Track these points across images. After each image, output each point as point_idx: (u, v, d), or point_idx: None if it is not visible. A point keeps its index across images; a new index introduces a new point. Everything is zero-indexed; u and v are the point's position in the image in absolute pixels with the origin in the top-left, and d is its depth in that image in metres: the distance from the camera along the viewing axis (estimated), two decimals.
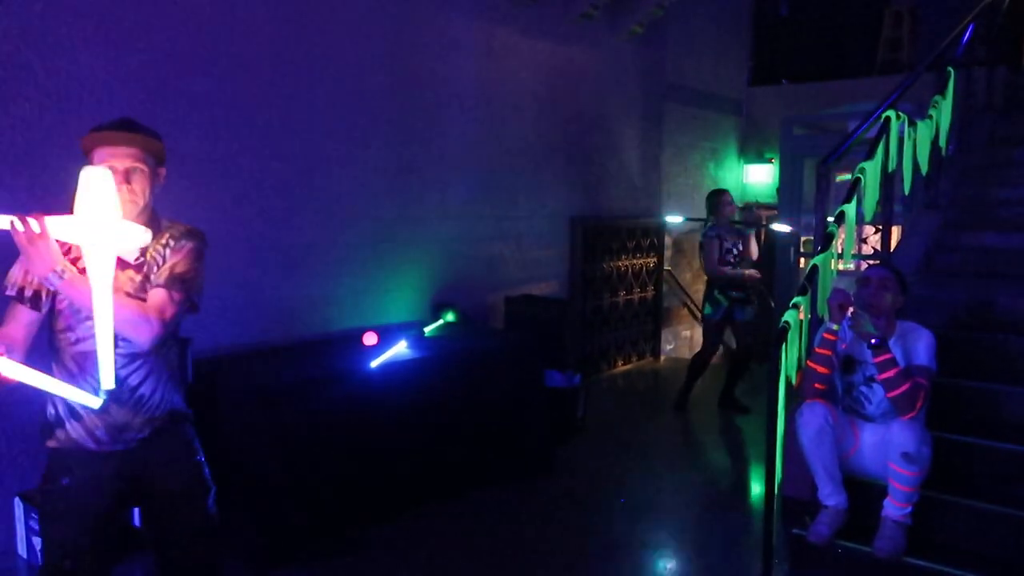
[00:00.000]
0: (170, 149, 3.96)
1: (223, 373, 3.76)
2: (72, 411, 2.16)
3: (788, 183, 7.47)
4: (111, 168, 2.06)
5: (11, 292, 2.12)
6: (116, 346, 2.09)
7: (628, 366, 7.52)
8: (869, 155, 3.86)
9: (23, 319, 2.12)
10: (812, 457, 3.17)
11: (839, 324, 3.18)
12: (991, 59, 5.88)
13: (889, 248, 4.44)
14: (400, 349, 4.24)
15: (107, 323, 1.91)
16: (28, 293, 2.11)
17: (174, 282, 2.13)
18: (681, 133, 8.08)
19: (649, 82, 7.51)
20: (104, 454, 2.18)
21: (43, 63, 3.45)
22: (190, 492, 2.31)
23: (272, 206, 4.39)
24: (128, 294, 2.11)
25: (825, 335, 3.22)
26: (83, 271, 2.01)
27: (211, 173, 4.10)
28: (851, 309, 3.12)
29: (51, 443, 2.20)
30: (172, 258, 2.17)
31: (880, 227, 4.53)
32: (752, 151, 9.07)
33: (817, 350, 3.24)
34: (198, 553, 2.33)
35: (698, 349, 6.17)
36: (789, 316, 3.20)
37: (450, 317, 5.10)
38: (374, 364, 3.96)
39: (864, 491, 3.25)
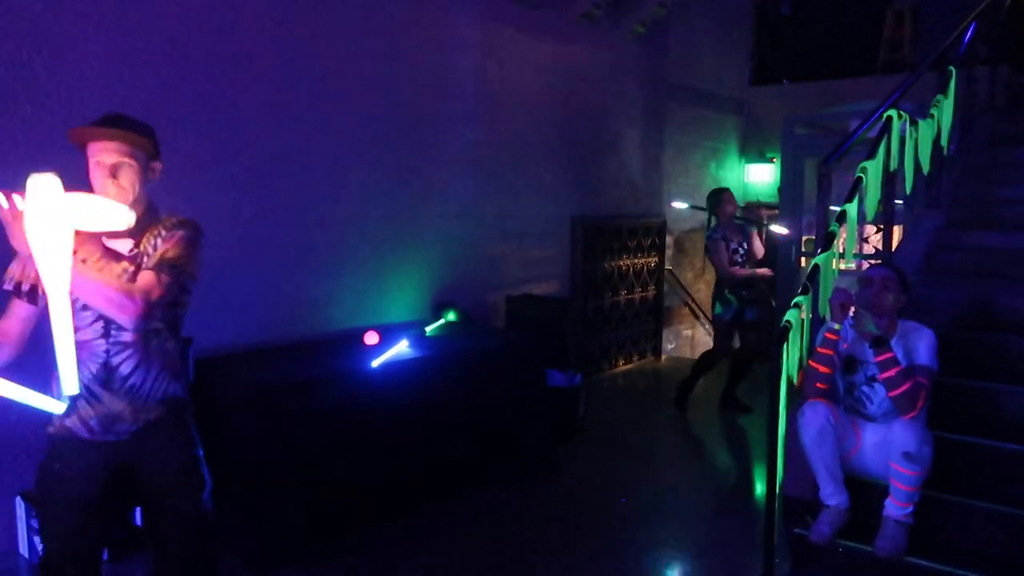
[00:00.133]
0: (171, 148, 3.97)
1: (224, 372, 3.77)
2: (70, 399, 2.18)
3: (789, 183, 7.46)
4: (99, 163, 2.12)
5: (8, 286, 2.16)
6: (107, 336, 2.16)
7: (629, 365, 7.52)
8: (871, 154, 3.85)
9: (20, 313, 2.17)
10: (813, 457, 3.17)
11: (841, 324, 3.18)
12: (993, 58, 5.88)
13: (890, 247, 4.44)
14: (401, 348, 4.24)
15: (66, 327, 1.93)
16: (25, 287, 2.15)
17: (163, 265, 2.16)
18: (682, 132, 8.08)
19: (651, 82, 7.51)
20: (96, 443, 2.22)
21: (44, 63, 3.45)
22: (184, 486, 2.32)
23: (273, 206, 4.39)
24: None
25: (827, 335, 3.22)
26: (82, 262, 2.05)
27: (212, 172, 4.10)
28: (852, 308, 3.12)
29: (50, 429, 2.25)
30: (163, 245, 2.20)
31: (881, 226, 4.53)
32: (753, 150, 9.07)
33: (819, 349, 3.24)
34: (193, 548, 2.33)
35: (701, 349, 6.16)
36: (790, 316, 3.20)
37: (451, 316, 5.10)
38: (375, 364, 3.95)
39: (865, 491, 3.25)
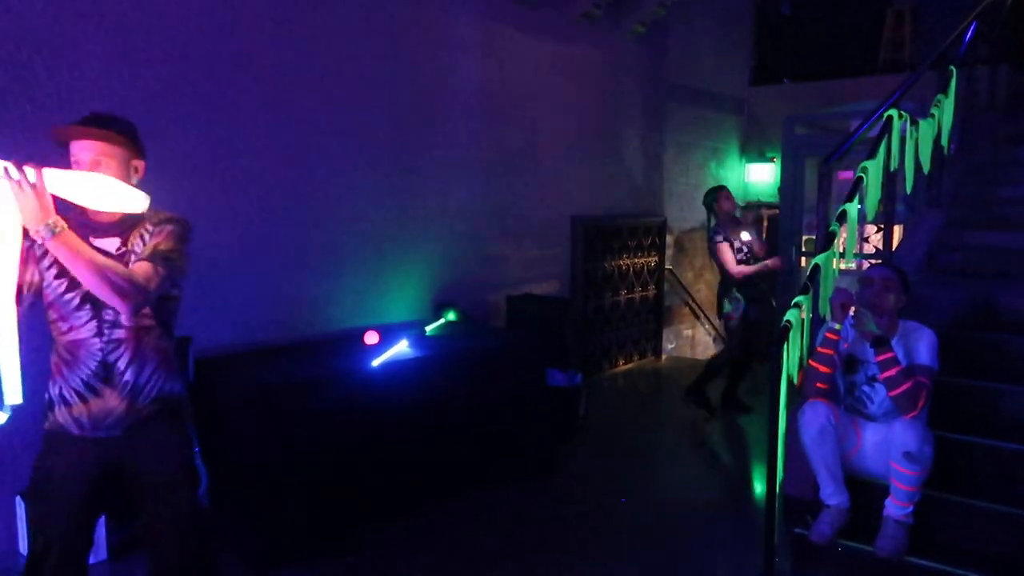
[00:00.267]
0: (171, 148, 3.98)
1: (224, 372, 3.77)
2: (62, 396, 2.23)
3: (790, 182, 7.47)
4: (77, 161, 2.15)
5: None
6: (101, 334, 2.19)
7: (630, 365, 7.52)
8: (871, 154, 3.85)
9: None
10: (814, 456, 3.17)
11: (841, 323, 3.18)
12: (993, 58, 5.87)
13: (891, 247, 4.44)
14: (401, 348, 4.24)
15: (10, 331, 1.96)
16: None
17: (156, 257, 2.19)
18: (683, 132, 8.08)
19: (651, 81, 7.50)
20: (87, 440, 2.24)
21: (44, 63, 3.45)
22: (177, 482, 2.33)
23: (273, 205, 4.39)
24: None
25: (827, 334, 3.22)
26: (64, 272, 2.13)
27: (212, 172, 4.10)
28: (853, 308, 3.12)
29: (45, 424, 2.28)
30: (154, 239, 2.22)
31: (882, 226, 4.53)
32: (754, 150, 9.07)
33: (819, 349, 3.24)
34: (189, 545, 2.34)
35: (701, 349, 6.14)
36: (791, 315, 3.19)
37: (451, 316, 5.09)
38: (375, 363, 3.95)
39: (866, 490, 3.25)
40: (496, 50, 5.77)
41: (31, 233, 2.01)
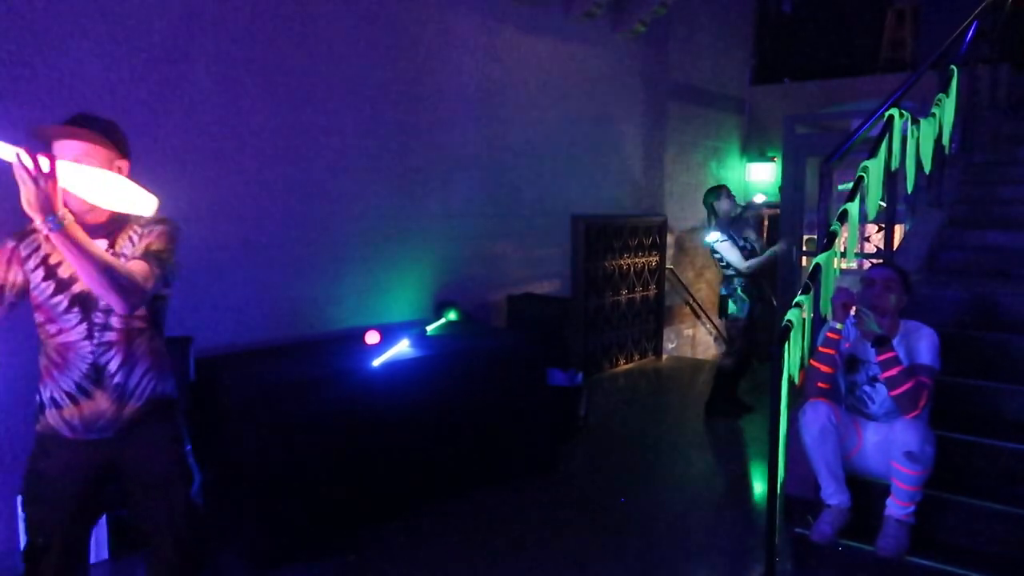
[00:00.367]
0: (172, 147, 3.98)
1: (225, 372, 3.76)
2: (53, 399, 2.22)
3: (790, 182, 7.45)
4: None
5: None
6: (91, 337, 2.19)
7: (630, 365, 7.52)
8: (872, 153, 3.85)
9: None
10: (815, 456, 3.17)
11: (843, 323, 3.18)
12: (994, 57, 5.87)
13: (892, 247, 4.44)
14: (402, 348, 4.24)
15: None
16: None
17: (150, 256, 2.19)
18: (683, 131, 8.07)
19: (651, 80, 7.50)
20: (79, 442, 2.24)
21: (45, 61, 3.45)
22: (170, 480, 2.33)
23: (274, 205, 4.39)
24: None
25: (829, 334, 3.21)
26: (57, 266, 2.14)
27: (213, 171, 4.10)
28: (854, 308, 3.12)
29: (37, 427, 2.28)
30: (145, 239, 2.22)
31: (883, 225, 4.52)
32: (754, 149, 9.06)
33: (820, 349, 3.24)
34: (185, 542, 2.34)
35: (702, 348, 6.12)
36: (792, 315, 3.19)
37: (452, 316, 5.09)
38: (376, 363, 3.95)
39: (867, 490, 3.25)
40: (497, 49, 5.76)
41: (36, 223, 1.99)
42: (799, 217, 7.26)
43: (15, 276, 2.20)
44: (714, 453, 5.44)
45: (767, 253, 5.67)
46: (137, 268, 2.14)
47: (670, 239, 7.95)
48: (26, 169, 1.90)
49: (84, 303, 2.18)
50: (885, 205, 4.15)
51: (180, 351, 3.28)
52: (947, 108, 4.75)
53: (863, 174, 3.74)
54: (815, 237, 3.89)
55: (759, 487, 4.54)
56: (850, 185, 3.72)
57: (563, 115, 6.45)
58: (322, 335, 4.64)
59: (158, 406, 2.31)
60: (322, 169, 4.62)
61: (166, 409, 2.35)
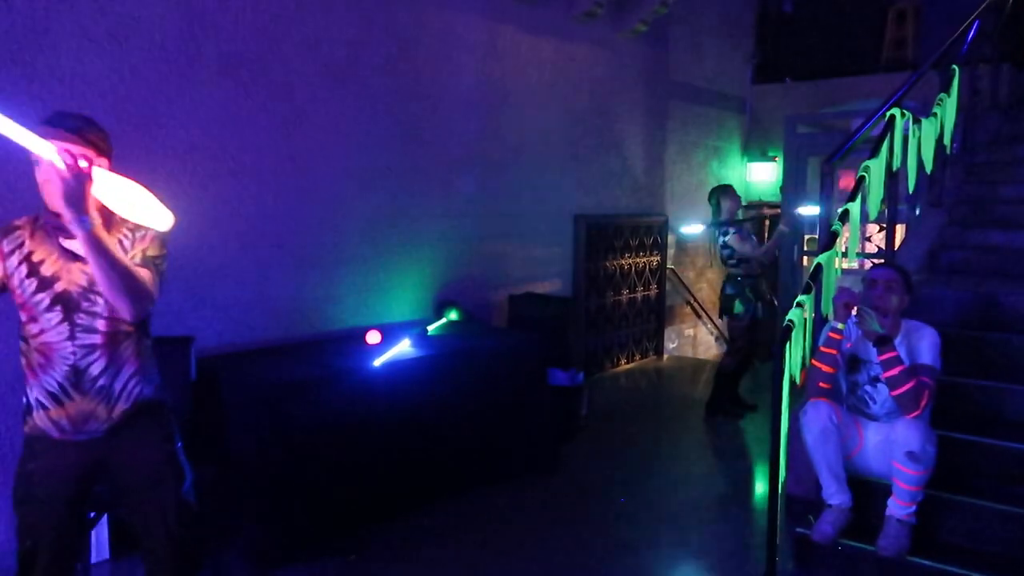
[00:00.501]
0: (172, 147, 3.98)
1: (226, 372, 3.76)
2: (40, 400, 2.22)
3: (792, 181, 7.45)
4: (37, 160, 2.12)
5: None
6: (73, 338, 2.18)
7: (631, 364, 7.52)
8: (873, 153, 3.84)
9: None
10: (816, 456, 3.17)
11: (844, 323, 3.18)
12: (996, 57, 5.86)
13: (893, 246, 4.43)
14: (403, 348, 4.24)
15: None
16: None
17: (150, 263, 2.22)
18: (684, 131, 8.07)
19: (652, 80, 7.50)
20: (67, 443, 2.24)
21: (46, 61, 3.45)
22: (160, 479, 2.33)
23: (275, 204, 4.39)
24: (82, 287, 2.18)
25: (830, 334, 3.21)
26: (40, 263, 2.14)
27: (214, 171, 4.10)
28: (856, 308, 3.12)
29: (25, 428, 2.27)
30: (139, 244, 2.23)
31: (884, 225, 4.52)
32: (756, 149, 9.06)
33: (822, 349, 3.24)
34: (176, 540, 2.34)
35: (703, 348, 6.11)
36: (793, 315, 3.19)
37: (453, 315, 5.09)
38: (377, 363, 3.95)
39: (868, 490, 3.25)
40: (498, 49, 5.76)
41: (66, 221, 2.00)
42: (788, 216, 7.25)
43: None
44: (715, 453, 5.44)
45: (774, 235, 5.69)
46: (146, 276, 2.16)
47: (671, 239, 7.95)
48: (69, 166, 1.94)
49: (66, 303, 2.18)
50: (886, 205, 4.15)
51: (181, 351, 3.28)
52: (948, 108, 4.75)
53: (864, 174, 3.74)
54: (816, 237, 3.88)
55: (760, 487, 4.54)
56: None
57: (564, 115, 6.44)
58: (323, 335, 4.64)
59: (145, 408, 2.32)
60: (323, 168, 4.62)
61: (155, 410, 2.35)
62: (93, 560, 3.19)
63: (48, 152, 1.95)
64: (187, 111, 3.95)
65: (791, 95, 8.75)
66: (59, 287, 2.18)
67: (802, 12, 9.15)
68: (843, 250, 3.65)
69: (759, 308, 5.64)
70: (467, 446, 4.29)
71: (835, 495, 3.19)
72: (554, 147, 6.37)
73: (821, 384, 3.22)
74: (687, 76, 7.99)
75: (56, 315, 2.18)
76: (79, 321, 2.19)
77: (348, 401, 3.75)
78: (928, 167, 4.53)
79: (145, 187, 2.22)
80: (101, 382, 2.22)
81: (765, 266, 5.83)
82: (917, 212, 5.03)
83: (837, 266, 3.57)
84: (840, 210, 3.65)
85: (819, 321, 3.44)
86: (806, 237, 7.29)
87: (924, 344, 3.19)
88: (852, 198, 3.66)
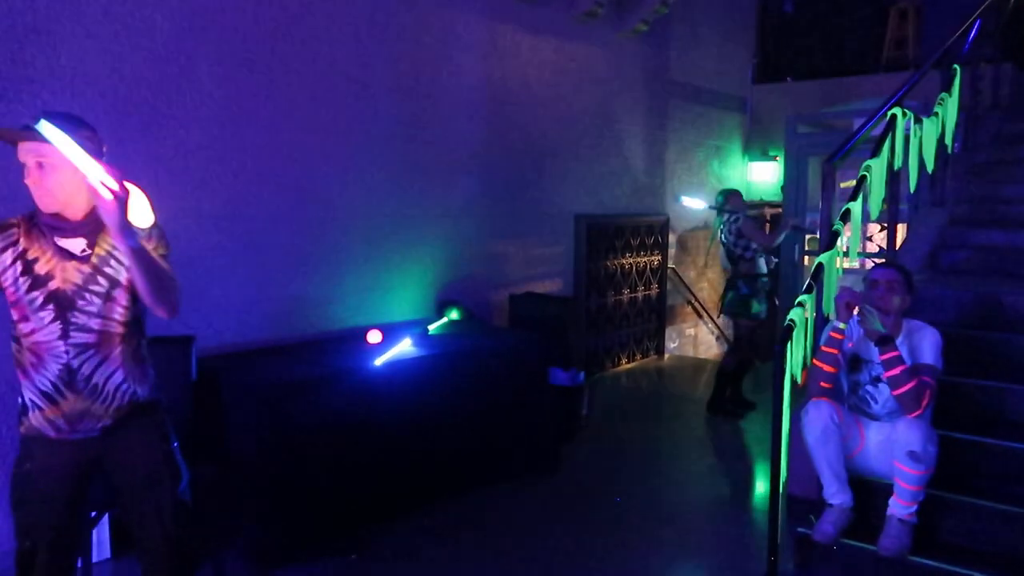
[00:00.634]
0: (174, 146, 3.98)
1: (227, 371, 3.76)
2: (34, 400, 2.22)
3: (793, 181, 7.45)
4: (24, 162, 2.15)
5: None
6: (66, 337, 2.18)
7: (632, 364, 7.52)
8: (875, 153, 3.84)
9: None
10: (817, 456, 3.16)
11: (846, 323, 3.17)
12: (997, 56, 5.86)
13: (894, 246, 4.43)
14: (404, 347, 4.24)
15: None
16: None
17: (163, 261, 2.25)
18: (685, 131, 8.06)
19: (653, 79, 7.49)
20: (64, 442, 2.24)
21: (48, 61, 3.45)
22: (156, 479, 2.33)
23: (277, 204, 4.39)
24: (77, 285, 2.18)
25: (832, 333, 3.21)
26: (35, 261, 2.16)
27: (215, 171, 4.09)
28: (857, 308, 3.12)
29: (21, 429, 2.28)
30: (147, 244, 2.22)
31: (885, 225, 4.52)
32: (757, 148, 9.05)
33: (823, 348, 3.23)
34: (172, 540, 2.35)
35: (704, 348, 6.11)
36: (795, 314, 3.19)
37: (454, 315, 5.09)
38: (378, 362, 3.95)
39: (869, 490, 3.25)
40: (498, 48, 5.76)
41: (115, 239, 2.04)
42: (802, 216, 7.25)
43: None
44: (716, 453, 5.43)
45: (781, 225, 5.74)
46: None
47: (672, 238, 7.94)
48: (122, 192, 1.99)
49: (60, 302, 2.17)
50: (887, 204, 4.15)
51: (182, 351, 3.28)
52: (950, 107, 4.74)
53: (866, 173, 3.74)
54: (817, 236, 3.88)
55: (761, 487, 4.54)
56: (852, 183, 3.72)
57: (565, 114, 6.44)
58: (324, 334, 4.64)
59: (141, 408, 2.32)
60: (324, 168, 4.62)
61: (150, 409, 2.36)
62: (94, 559, 3.19)
63: (95, 174, 1.97)
64: (188, 111, 3.95)
65: (792, 94, 8.74)
66: (53, 285, 2.18)
67: (803, 11, 9.14)
68: (844, 249, 3.65)
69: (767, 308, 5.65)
70: (468, 446, 4.29)
71: (836, 495, 3.19)
72: (555, 146, 6.36)
73: (822, 384, 3.22)
74: (688, 76, 7.99)
75: (48, 314, 2.17)
76: (73, 320, 2.18)
77: (349, 401, 3.75)
78: (929, 167, 4.53)
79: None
80: (94, 381, 2.22)
81: (771, 265, 5.82)
82: (918, 212, 5.03)
83: (838, 265, 3.57)
84: (842, 209, 3.64)
85: (820, 321, 3.44)
86: (808, 237, 7.29)
87: (925, 344, 3.18)
88: (853, 197, 3.66)
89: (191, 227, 3.88)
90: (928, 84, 4.81)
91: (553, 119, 6.32)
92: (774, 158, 8.84)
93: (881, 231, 7.15)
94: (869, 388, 3.27)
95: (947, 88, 4.78)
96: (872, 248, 7.27)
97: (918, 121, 4.30)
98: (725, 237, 5.69)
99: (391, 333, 4.42)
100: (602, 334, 7.11)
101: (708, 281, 8.60)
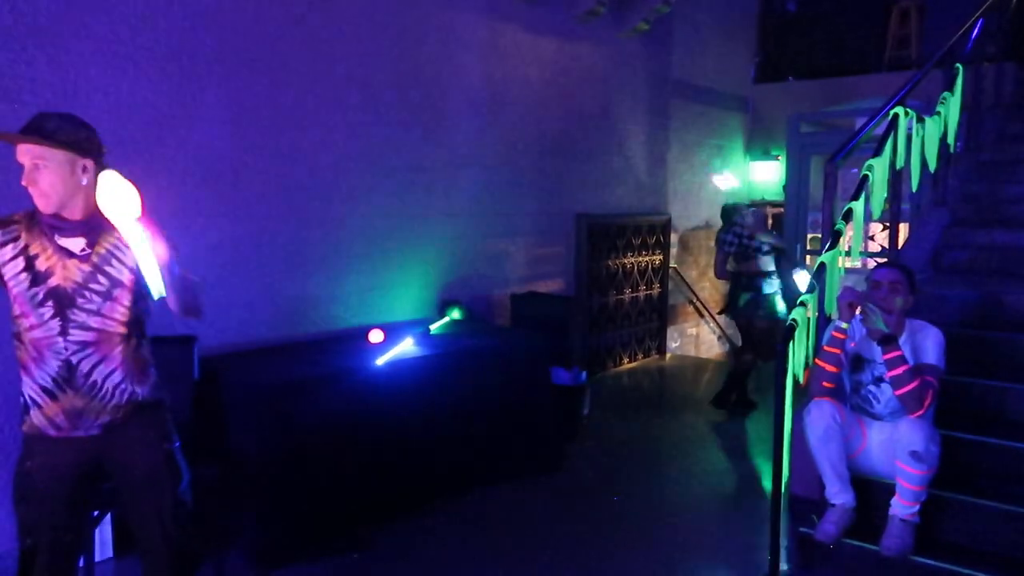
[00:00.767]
0: (174, 146, 3.98)
1: (229, 371, 3.76)
2: (34, 397, 2.23)
3: (795, 180, 7.45)
4: (21, 163, 2.15)
5: None
6: (65, 334, 2.19)
7: (634, 364, 7.51)
8: (877, 152, 3.83)
9: None
10: (820, 456, 3.16)
11: (848, 322, 3.17)
12: (1000, 55, 5.85)
13: (897, 245, 4.42)
14: (406, 347, 4.24)
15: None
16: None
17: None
18: (687, 130, 8.06)
19: (655, 79, 7.49)
20: (64, 440, 2.25)
21: (50, 61, 3.45)
22: (156, 478, 2.34)
23: (278, 204, 4.39)
24: (77, 283, 2.19)
25: (834, 333, 3.21)
26: (36, 258, 2.17)
27: (218, 171, 4.09)
28: (860, 307, 3.11)
29: (23, 427, 2.28)
30: (158, 244, 2.23)
31: (888, 224, 4.51)
32: (758, 148, 9.04)
33: (826, 348, 3.23)
34: (172, 540, 2.35)
35: (705, 347, 6.11)
36: (797, 314, 3.18)
37: (456, 314, 5.09)
38: (380, 362, 3.95)
39: (872, 490, 3.24)
40: (501, 47, 5.76)
41: (161, 264, 2.13)
42: (804, 216, 7.25)
43: None
44: (718, 452, 5.43)
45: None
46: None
47: (674, 238, 7.94)
48: (154, 248, 2.10)
49: (60, 298, 2.18)
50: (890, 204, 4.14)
51: (184, 350, 3.28)
52: (952, 106, 4.73)
53: (868, 173, 3.73)
54: (819, 236, 3.87)
55: (763, 486, 4.53)
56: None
57: (566, 114, 6.44)
58: (326, 334, 4.64)
59: (142, 407, 2.32)
60: (325, 168, 4.62)
61: (152, 409, 2.36)
62: (97, 559, 3.19)
63: (137, 237, 2.08)
64: (189, 111, 3.95)
65: (794, 94, 8.73)
66: (53, 282, 2.18)
67: (805, 10, 9.13)
68: (846, 249, 3.64)
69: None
70: (469, 445, 4.28)
71: (838, 494, 3.18)
72: (556, 146, 6.36)
73: (825, 383, 3.21)
74: (689, 75, 7.98)
75: (48, 310, 2.18)
76: (73, 317, 2.19)
77: (350, 401, 3.75)
78: (932, 166, 4.52)
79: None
80: (93, 378, 2.23)
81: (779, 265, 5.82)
82: (921, 211, 5.02)
83: (841, 265, 3.56)
84: (844, 209, 3.63)
85: (823, 320, 3.43)
86: (809, 236, 7.29)
87: (928, 344, 3.18)
88: (856, 197, 3.65)
89: (192, 227, 3.88)
90: (930, 83, 4.80)
91: (554, 118, 6.32)
92: (776, 157, 8.83)
93: (883, 230, 7.15)
94: (871, 388, 3.27)
95: (949, 87, 4.77)
96: (874, 247, 7.27)
97: (920, 120, 4.29)
98: (731, 245, 5.67)
99: (393, 333, 4.42)
100: (604, 333, 7.11)
101: (709, 280, 8.59)
